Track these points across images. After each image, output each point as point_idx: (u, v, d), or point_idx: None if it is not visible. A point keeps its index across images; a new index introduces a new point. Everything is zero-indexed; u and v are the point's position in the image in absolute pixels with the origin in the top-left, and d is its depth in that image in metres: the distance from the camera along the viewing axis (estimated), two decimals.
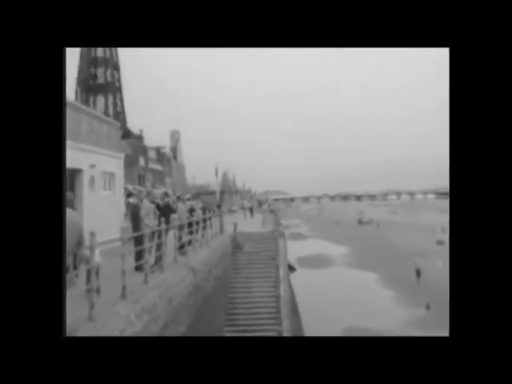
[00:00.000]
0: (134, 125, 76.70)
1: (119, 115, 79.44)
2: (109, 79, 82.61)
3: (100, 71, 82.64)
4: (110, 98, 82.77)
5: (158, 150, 76.31)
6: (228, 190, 70.64)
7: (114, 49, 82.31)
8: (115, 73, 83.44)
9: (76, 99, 71.14)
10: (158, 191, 22.94)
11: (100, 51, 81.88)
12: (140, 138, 68.39)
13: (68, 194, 7.51)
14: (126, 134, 57.63)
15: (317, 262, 40.49)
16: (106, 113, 74.24)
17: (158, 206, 13.67)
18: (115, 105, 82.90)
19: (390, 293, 29.39)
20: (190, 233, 14.49)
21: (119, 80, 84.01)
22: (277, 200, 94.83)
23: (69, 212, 7.11)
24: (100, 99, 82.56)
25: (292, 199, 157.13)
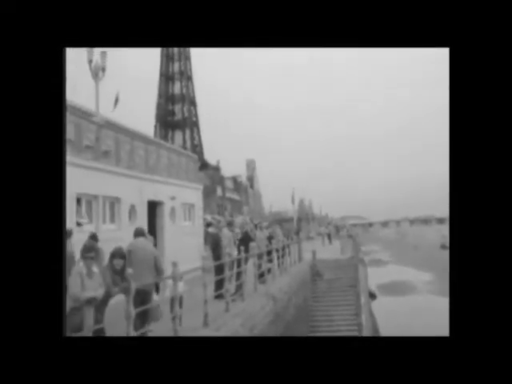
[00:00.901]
0: (210, 156, 78.93)
1: (196, 148, 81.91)
2: (186, 115, 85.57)
3: (177, 107, 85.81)
4: (188, 132, 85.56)
5: (234, 179, 77.74)
6: (305, 216, 70.37)
7: (190, 85, 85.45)
8: (192, 108, 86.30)
9: (155, 135, 74.30)
10: (238, 220, 23.32)
11: (177, 88, 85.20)
12: (217, 168, 70.05)
13: (140, 229, 7.99)
14: (204, 165, 59.27)
15: (399, 288, 39.04)
16: (184, 146, 76.84)
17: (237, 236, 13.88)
18: (192, 138, 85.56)
19: None
20: (270, 261, 14.55)
21: (196, 115, 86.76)
22: (354, 225, 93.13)
23: (143, 240, 7.60)
24: (178, 134, 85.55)
25: (370, 224, 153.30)
